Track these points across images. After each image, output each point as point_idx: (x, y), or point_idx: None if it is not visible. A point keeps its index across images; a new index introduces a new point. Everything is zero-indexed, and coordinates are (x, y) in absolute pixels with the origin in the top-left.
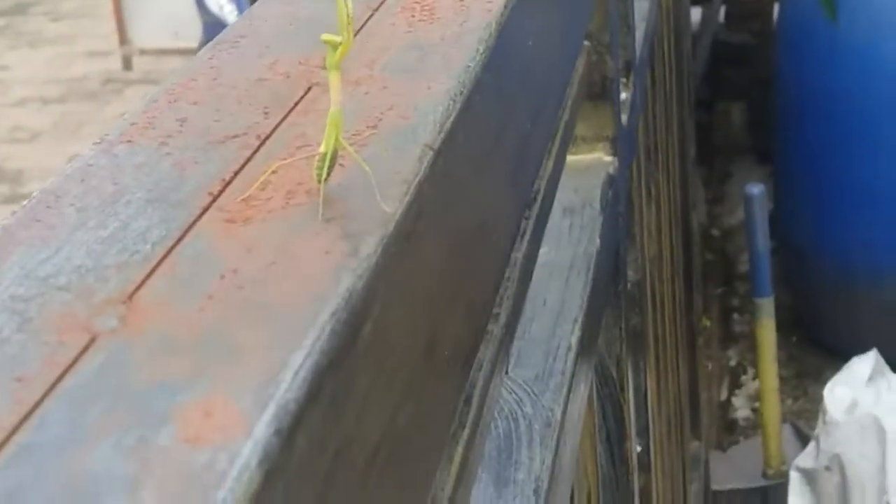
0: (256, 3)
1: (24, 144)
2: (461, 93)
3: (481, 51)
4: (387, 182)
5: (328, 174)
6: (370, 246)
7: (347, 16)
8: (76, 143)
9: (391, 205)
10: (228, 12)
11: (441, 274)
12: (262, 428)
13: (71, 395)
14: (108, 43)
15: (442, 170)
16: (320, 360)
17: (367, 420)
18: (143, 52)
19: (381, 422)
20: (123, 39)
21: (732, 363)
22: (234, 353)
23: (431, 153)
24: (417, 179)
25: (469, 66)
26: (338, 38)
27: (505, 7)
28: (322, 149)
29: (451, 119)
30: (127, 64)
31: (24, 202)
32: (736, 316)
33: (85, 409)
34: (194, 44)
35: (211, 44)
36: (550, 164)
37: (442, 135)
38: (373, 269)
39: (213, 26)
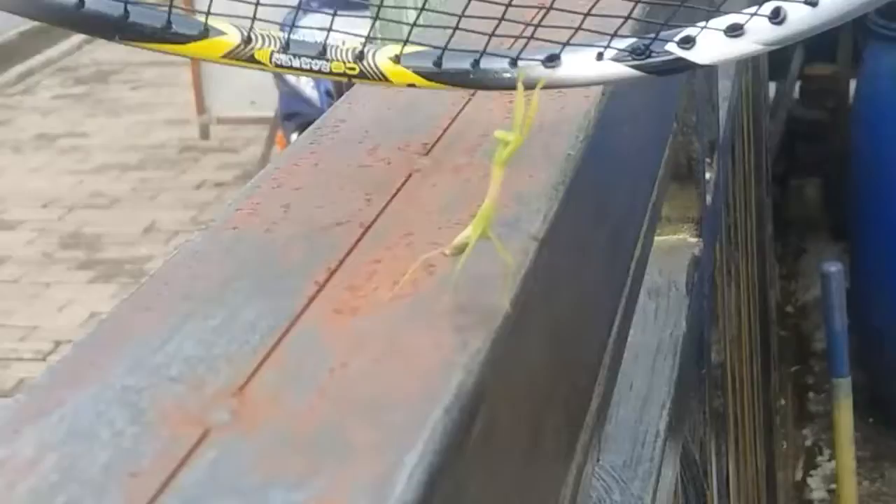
0: (354, 88)
1: (103, 210)
2: (563, 182)
3: (581, 139)
4: (492, 274)
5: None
6: (479, 340)
7: (525, 115)
8: (154, 209)
9: (499, 297)
10: (305, 83)
11: (544, 365)
12: None
13: (185, 493)
14: (186, 111)
15: (546, 261)
16: (434, 460)
17: None
18: (220, 120)
19: None
20: (201, 108)
21: (808, 443)
22: (348, 451)
23: (536, 244)
24: (523, 272)
25: (570, 155)
26: (510, 136)
27: (602, 94)
28: (468, 235)
29: (555, 209)
30: (204, 132)
31: (135, 291)
32: (811, 395)
33: None
34: (271, 113)
35: (312, 128)
36: (640, 246)
37: (546, 225)
38: (482, 364)
39: (289, 96)
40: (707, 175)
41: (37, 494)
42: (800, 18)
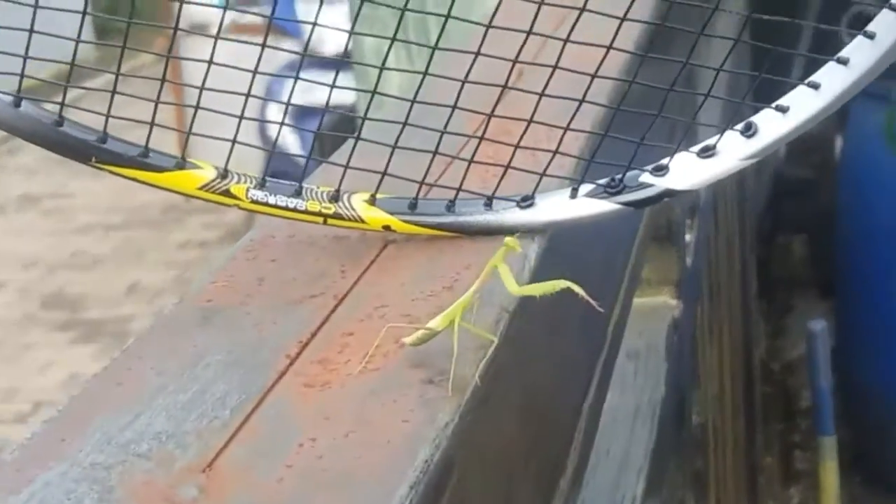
0: (335, 155)
1: (86, 271)
2: (536, 250)
3: None
4: (463, 346)
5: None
6: (448, 414)
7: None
8: (137, 269)
9: (468, 369)
10: (290, 142)
11: (516, 435)
12: None
13: None
14: None
15: (517, 332)
16: None
17: None
18: None
19: None
20: None
21: (795, 502)
22: None
23: (507, 316)
24: (494, 344)
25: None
26: (518, 243)
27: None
28: (437, 323)
29: (526, 280)
30: None
31: (106, 366)
32: (797, 453)
33: None
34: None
35: None
36: (618, 309)
37: (516, 298)
38: (450, 437)
39: (276, 157)
40: (687, 237)
41: None
42: (772, 127)
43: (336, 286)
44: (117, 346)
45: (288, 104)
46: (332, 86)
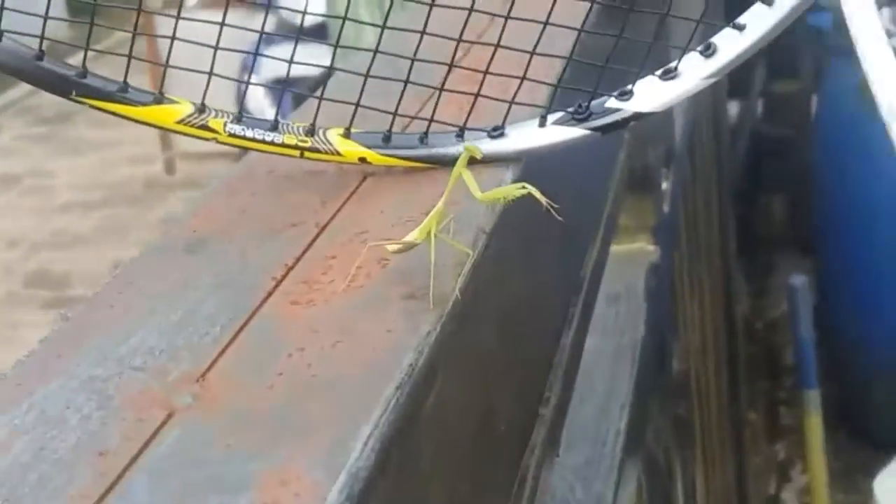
0: (307, 102)
1: (68, 249)
2: (513, 178)
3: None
4: (442, 264)
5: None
6: (429, 323)
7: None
8: (120, 247)
9: (447, 284)
10: (270, 115)
11: (495, 352)
12: (335, 496)
13: (151, 467)
14: (151, 147)
15: (494, 252)
16: (387, 432)
17: (430, 491)
18: (185, 155)
19: (442, 495)
20: (166, 144)
21: (781, 457)
22: (306, 425)
23: (485, 236)
24: (472, 261)
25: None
26: (478, 152)
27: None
28: (415, 235)
29: (505, 207)
30: (170, 168)
31: (97, 291)
32: (783, 409)
33: (165, 480)
34: (236, 148)
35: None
36: (595, 253)
37: (494, 218)
38: (432, 345)
39: None
40: (664, 185)
41: (9, 474)
42: (730, 46)
43: (317, 216)
44: None
45: (247, 83)
46: (291, 61)
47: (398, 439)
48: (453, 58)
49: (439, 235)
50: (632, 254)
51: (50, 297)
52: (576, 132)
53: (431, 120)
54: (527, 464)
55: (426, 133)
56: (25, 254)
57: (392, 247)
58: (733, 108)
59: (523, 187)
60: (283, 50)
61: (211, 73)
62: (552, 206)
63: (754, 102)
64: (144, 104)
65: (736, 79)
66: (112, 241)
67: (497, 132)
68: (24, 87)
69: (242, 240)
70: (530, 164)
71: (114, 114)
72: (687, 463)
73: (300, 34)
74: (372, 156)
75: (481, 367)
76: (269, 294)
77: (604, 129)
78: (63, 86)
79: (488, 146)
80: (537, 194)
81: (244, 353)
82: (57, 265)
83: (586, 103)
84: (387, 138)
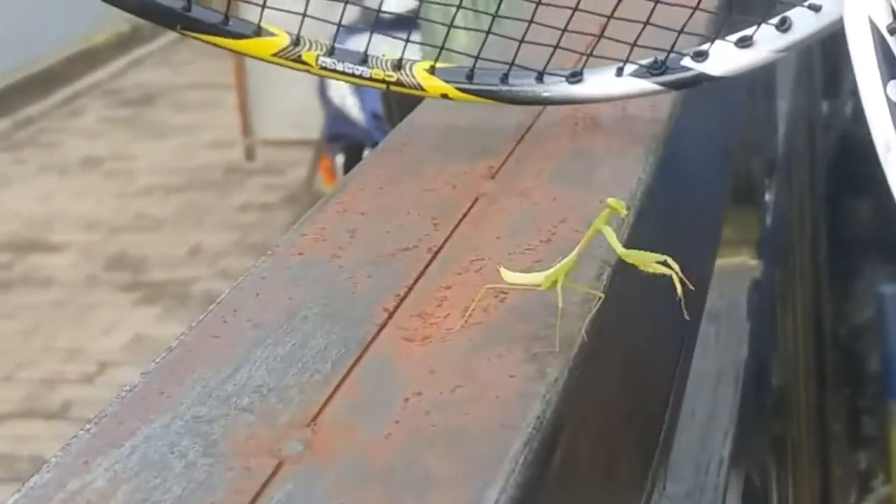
0: (418, 109)
1: (148, 232)
2: (634, 206)
3: (651, 161)
4: (565, 302)
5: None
6: (556, 369)
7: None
8: (198, 231)
9: (573, 325)
10: (351, 105)
11: (619, 393)
12: None
13: None
14: (232, 133)
15: (619, 288)
16: (515, 494)
17: None
18: (265, 142)
19: None
20: (247, 130)
21: (862, 467)
22: (427, 484)
23: (610, 270)
24: (599, 300)
25: (640, 178)
26: (622, 207)
27: (670, 117)
28: (540, 281)
29: (626, 235)
30: (249, 154)
31: (203, 318)
32: (865, 418)
33: None
34: (316, 134)
35: (376, 150)
36: (703, 270)
37: (616, 253)
38: (560, 393)
39: (335, 118)
40: (766, 196)
41: None
42: (805, 24)
43: (429, 239)
44: (180, 307)
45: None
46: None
47: (527, 501)
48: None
49: (567, 285)
50: (734, 268)
51: (129, 280)
52: (648, 86)
53: (513, 64)
54: (639, 501)
55: (507, 73)
56: (105, 236)
57: (519, 281)
58: (823, 108)
59: (665, 262)
60: (368, 39)
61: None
62: (686, 286)
63: (844, 103)
64: (245, 36)
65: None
66: (190, 226)
67: (575, 77)
68: (108, 69)
69: (352, 265)
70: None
71: (216, 45)
72: (780, 481)
73: None
74: (453, 91)
75: (606, 413)
76: (381, 327)
77: (674, 86)
78: (169, 18)
79: (565, 90)
80: (676, 269)
81: (357, 394)
82: (136, 249)
83: (663, 59)
84: (469, 76)
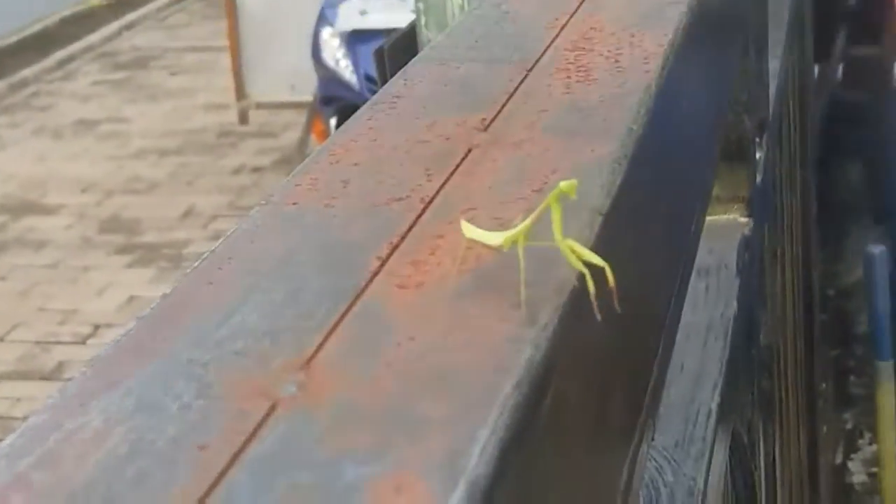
0: (410, 64)
1: (141, 195)
2: (625, 156)
3: (642, 113)
4: (557, 249)
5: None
6: (547, 315)
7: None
8: (192, 194)
9: (563, 271)
10: (344, 67)
11: (609, 340)
12: None
13: (255, 466)
14: (226, 96)
15: (609, 235)
16: (505, 435)
17: (548, 499)
18: (259, 105)
19: (559, 500)
20: (241, 93)
21: (849, 426)
22: (419, 425)
23: (600, 218)
24: (588, 246)
25: (632, 129)
26: (575, 190)
27: (662, 69)
28: (500, 241)
29: (618, 183)
30: (243, 117)
31: (198, 264)
32: (852, 378)
33: (271, 481)
34: (309, 97)
35: (368, 104)
36: (693, 225)
37: (608, 199)
38: (550, 338)
39: (328, 81)
40: (758, 154)
41: (106, 467)
42: None
43: (422, 189)
44: (174, 269)
45: None
46: None
47: (517, 443)
48: None
49: (530, 243)
50: (724, 225)
51: (122, 242)
52: None
53: None
54: (628, 452)
55: None
56: (99, 199)
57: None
58: (814, 72)
59: (602, 264)
60: (361, 2)
61: None
62: (614, 306)
63: (835, 66)
64: None
65: (817, 41)
66: (184, 189)
67: None
68: (103, 32)
69: (346, 214)
70: (644, 126)
71: None
72: (767, 436)
73: None
74: None
75: (596, 360)
76: (375, 274)
77: None
78: None
79: None
80: (610, 280)
81: (350, 339)
82: (130, 211)
83: None
84: None
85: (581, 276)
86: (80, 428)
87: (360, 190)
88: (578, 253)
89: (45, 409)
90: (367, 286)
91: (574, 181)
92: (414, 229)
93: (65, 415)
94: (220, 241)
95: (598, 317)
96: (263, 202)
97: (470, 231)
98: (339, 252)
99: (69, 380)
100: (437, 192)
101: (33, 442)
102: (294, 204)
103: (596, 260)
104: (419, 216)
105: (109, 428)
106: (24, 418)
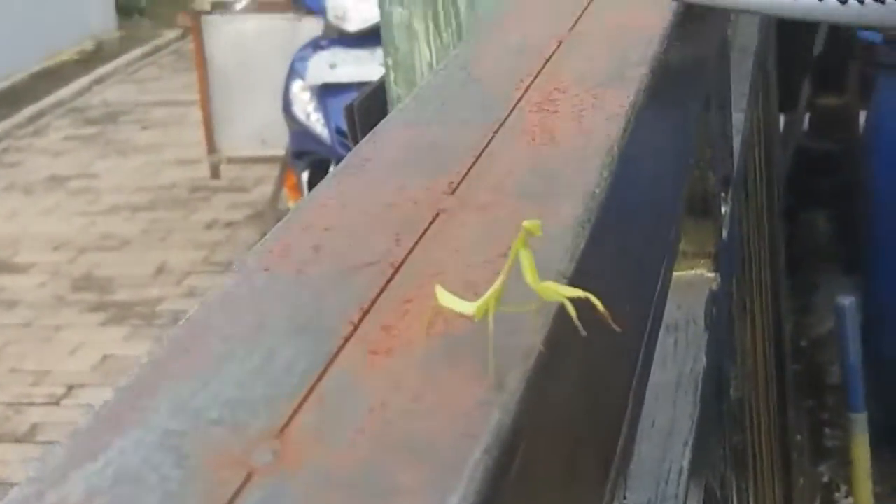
0: (380, 125)
1: (114, 252)
2: (588, 220)
3: (605, 175)
4: (524, 315)
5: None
6: (515, 380)
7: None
8: (165, 250)
9: (530, 337)
10: (315, 120)
11: (577, 403)
12: None
13: None
14: (196, 151)
15: (575, 300)
16: (475, 501)
17: None
18: (230, 160)
19: None
20: (211, 148)
21: (825, 479)
22: (391, 492)
23: (565, 281)
24: (554, 311)
25: (595, 192)
26: (539, 228)
27: (625, 130)
28: (472, 310)
29: (581, 247)
30: (215, 172)
31: (172, 332)
32: (827, 430)
33: None
34: (281, 151)
35: (339, 167)
36: (660, 282)
37: (573, 263)
38: (519, 403)
39: (300, 135)
40: (723, 209)
41: None
42: None
43: (391, 254)
44: (147, 327)
45: None
46: None
47: None
48: None
49: (502, 309)
50: (692, 281)
51: (96, 300)
52: None
53: None
54: None
55: None
56: (72, 256)
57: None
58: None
59: (585, 295)
60: (332, 55)
61: None
62: (607, 320)
63: (800, 116)
64: None
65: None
66: (157, 245)
67: None
68: (73, 87)
69: (317, 279)
70: (608, 189)
71: None
72: (740, 491)
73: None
74: None
75: (564, 423)
76: (346, 340)
77: None
78: None
79: None
80: (599, 307)
81: (324, 406)
82: (103, 269)
83: None
84: None
85: (562, 307)
86: (61, 500)
87: (332, 255)
88: (556, 290)
89: (28, 480)
90: (338, 352)
91: (538, 221)
92: (384, 293)
93: (48, 485)
94: (194, 308)
95: (584, 333)
96: (235, 269)
97: (443, 297)
98: (312, 318)
99: (46, 444)
100: (406, 256)
101: None
102: (266, 270)
103: (577, 293)
104: (389, 281)
105: (90, 499)
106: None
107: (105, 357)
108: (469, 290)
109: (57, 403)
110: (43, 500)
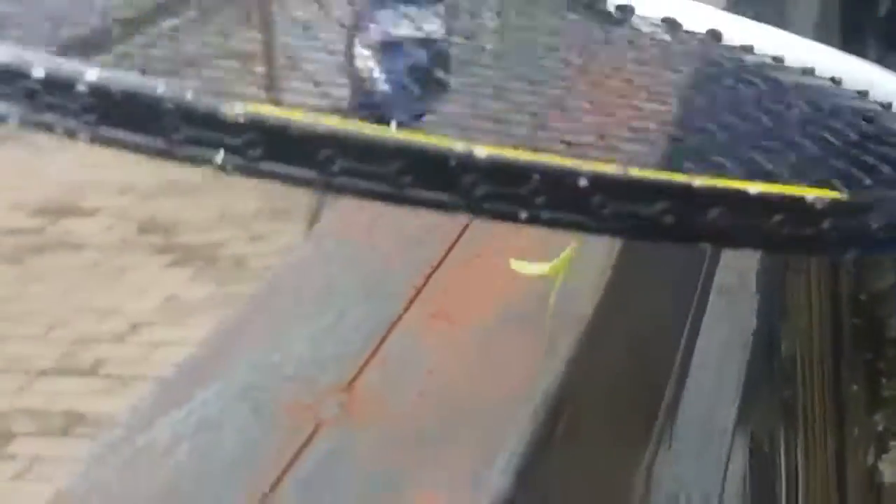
0: None
1: (179, 197)
2: None
3: None
4: (578, 284)
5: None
6: (565, 345)
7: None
8: (229, 196)
9: (584, 305)
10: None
11: (623, 366)
12: None
13: (302, 481)
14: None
15: (626, 269)
16: (521, 459)
17: None
18: None
19: None
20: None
21: (880, 428)
22: (447, 448)
23: (620, 245)
24: (606, 280)
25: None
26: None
27: None
28: (546, 270)
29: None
30: None
31: (252, 294)
32: (884, 381)
33: (316, 496)
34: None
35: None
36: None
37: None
38: (567, 367)
39: (360, 90)
40: None
41: (171, 480)
42: None
43: (452, 224)
44: (211, 269)
45: None
46: None
47: (532, 463)
48: None
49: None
50: None
51: (161, 243)
52: None
53: None
54: (643, 462)
55: None
56: (137, 201)
57: (527, 271)
58: None
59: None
60: (395, 12)
61: None
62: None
63: None
64: None
65: None
66: (222, 191)
67: None
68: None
69: (384, 246)
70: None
71: None
72: (790, 444)
73: None
74: None
75: (610, 385)
76: (410, 303)
77: None
78: None
79: None
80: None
81: (387, 365)
82: (167, 213)
83: None
84: None
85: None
86: (149, 444)
87: (398, 223)
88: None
89: (118, 426)
90: (402, 315)
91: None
92: (446, 260)
93: (136, 431)
94: (270, 273)
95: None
96: (305, 236)
97: (514, 262)
98: (379, 282)
99: (109, 377)
100: (465, 226)
101: (110, 453)
102: (335, 236)
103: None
104: (450, 249)
105: (176, 443)
106: (64, 412)
107: (168, 297)
108: (527, 257)
109: (122, 340)
110: (133, 444)
